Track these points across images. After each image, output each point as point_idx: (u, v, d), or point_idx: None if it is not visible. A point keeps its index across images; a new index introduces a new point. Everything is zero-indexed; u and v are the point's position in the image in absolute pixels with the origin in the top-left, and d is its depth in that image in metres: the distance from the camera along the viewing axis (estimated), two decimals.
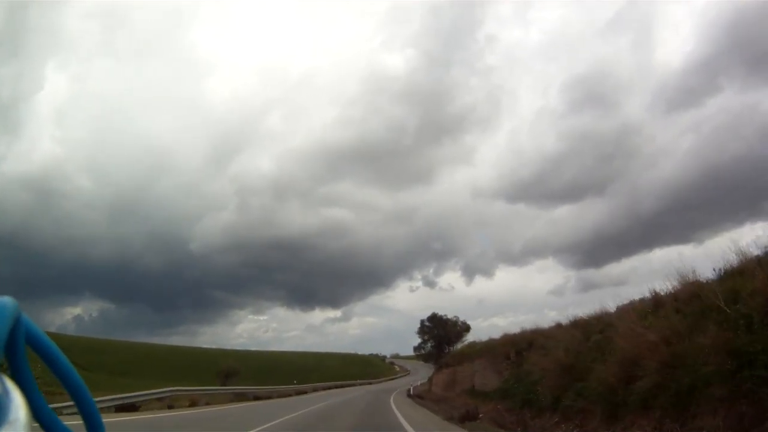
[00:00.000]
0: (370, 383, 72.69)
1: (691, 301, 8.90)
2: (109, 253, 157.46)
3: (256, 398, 27.24)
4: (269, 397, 29.65)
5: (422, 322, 50.78)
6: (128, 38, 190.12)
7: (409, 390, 39.05)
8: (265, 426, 12.76)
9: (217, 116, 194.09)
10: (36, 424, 0.57)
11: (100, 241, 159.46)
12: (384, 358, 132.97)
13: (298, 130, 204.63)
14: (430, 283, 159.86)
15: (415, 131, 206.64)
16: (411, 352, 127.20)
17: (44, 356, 0.60)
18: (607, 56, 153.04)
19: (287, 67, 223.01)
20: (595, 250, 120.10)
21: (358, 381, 71.32)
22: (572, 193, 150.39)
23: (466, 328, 47.46)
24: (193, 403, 21.06)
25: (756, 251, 8.85)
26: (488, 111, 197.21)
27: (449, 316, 49.30)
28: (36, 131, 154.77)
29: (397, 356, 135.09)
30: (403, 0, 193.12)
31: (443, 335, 47.18)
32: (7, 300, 0.53)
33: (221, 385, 31.64)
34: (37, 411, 0.58)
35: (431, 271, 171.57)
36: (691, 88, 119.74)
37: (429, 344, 50.59)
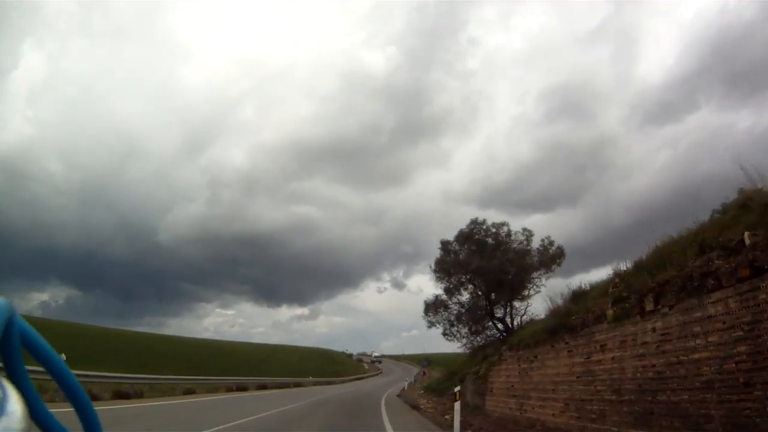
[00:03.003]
0: (330, 383, 48.85)
1: None
2: (77, 239, 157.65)
3: None
4: None
5: (445, 245, 22.17)
6: (105, 19, 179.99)
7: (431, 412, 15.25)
8: None
9: (192, 104, 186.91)
10: (33, 425, 0.57)
11: (69, 227, 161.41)
12: (351, 355, 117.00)
13: (272, 123, 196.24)
14: (398, 285, 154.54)
15: (390, 131, 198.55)
16: (379, 351, 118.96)
17: (38, 356, 0.59)
18: (588, 66, 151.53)
19: (265, 59, 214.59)
20: (564, 260, 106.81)
21: (311, 378, 47.19)
22: (544, 202, 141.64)
23: (553, 257, 20.39)
24: None
25: None
26: (465, 115, 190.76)
27: (508, 227, 21.41)
28: (8, 110, 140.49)
29: (364, 354, 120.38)
30: None
31: (498, 268, 19.36)
32: (2, 300, 0.52)
33: None
34: (33, 411, 0.57)
35: (400, 273, 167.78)
36: (669, 104, 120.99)
37: (465, 295, 21.70)
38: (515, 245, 21.03)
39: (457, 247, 22.16)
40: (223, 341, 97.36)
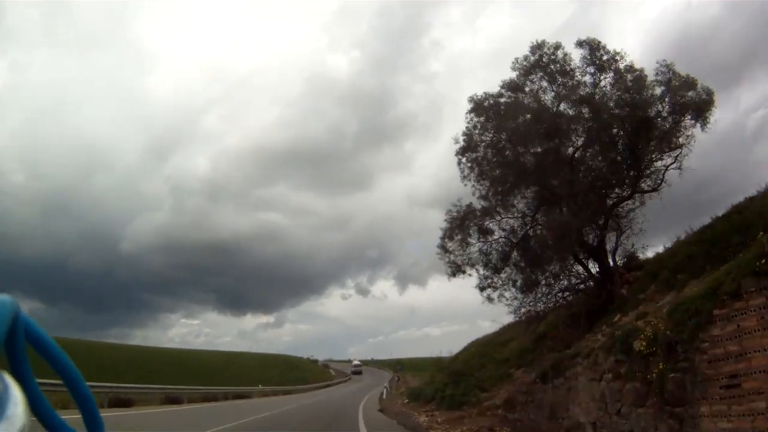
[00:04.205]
0: (289, 392, 38.83)
1: None
2: (40, 251, 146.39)
3: None
4: None
5: (478, 107, 11.93)
6: (70, 28, 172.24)
7: None
8: None
9: (157, 112, 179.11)
10: (35, 419, 0.57)
11: (31, 239, 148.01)
12: (316, 361, 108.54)
13: (236, 130, 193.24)
14: (362, 291, 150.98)
15: (355, 136, 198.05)
16: (346, 357, 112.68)
17: (43, 353, 0.60)
18: None
19: (231, 66, 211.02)
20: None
21: (260, 387, 36.91)
22: None
23: (699, 108, 10.21)
24: None
25: None
26: (430, 118, 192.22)
27: (602, 50, 11.07)
28: None
29: (330, 360, 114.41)
30: (351, 0, 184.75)
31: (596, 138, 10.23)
32: (7, 297, 0.53)
33: None
34: (36, 407, 0.58)
35: (365, 279, 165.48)
36: None
37: (516, 210, 12.52)
38: (620, 89, 10.86)
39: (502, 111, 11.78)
40: (184, 350, 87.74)
